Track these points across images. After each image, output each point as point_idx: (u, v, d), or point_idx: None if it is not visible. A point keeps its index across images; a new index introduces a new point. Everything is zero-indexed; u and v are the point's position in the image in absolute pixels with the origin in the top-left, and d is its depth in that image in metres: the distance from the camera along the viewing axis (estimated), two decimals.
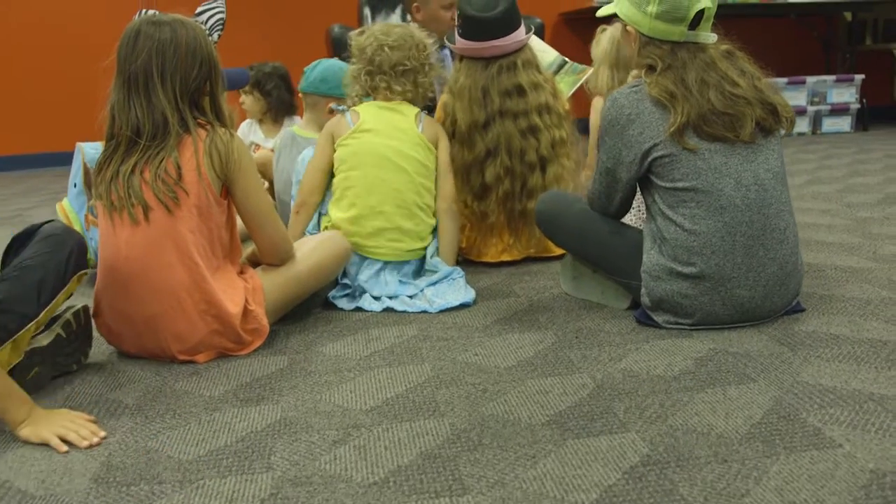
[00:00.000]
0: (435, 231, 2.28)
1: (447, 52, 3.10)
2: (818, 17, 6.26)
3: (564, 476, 1.20)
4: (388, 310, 2.07)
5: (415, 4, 3.22)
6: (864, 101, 5.67)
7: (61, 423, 1.39)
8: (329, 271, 2.02)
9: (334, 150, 2.24)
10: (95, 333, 1.80)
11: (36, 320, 1.50)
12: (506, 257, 2.45)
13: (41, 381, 1.62)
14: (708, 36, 1.78)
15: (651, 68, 1.79)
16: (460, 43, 2.35)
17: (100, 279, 1.74)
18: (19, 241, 1.59)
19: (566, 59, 2.93)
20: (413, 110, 2.28)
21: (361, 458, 1.28)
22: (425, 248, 2.24)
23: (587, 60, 2.91)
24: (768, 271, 1.74)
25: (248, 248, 1.95)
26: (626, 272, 1.87)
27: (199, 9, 2.10)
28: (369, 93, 2.30)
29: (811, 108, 5.59)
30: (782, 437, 1.28)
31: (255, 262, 1.93)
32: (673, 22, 1.74)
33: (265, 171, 2.97)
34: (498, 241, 2.44)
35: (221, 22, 2.12)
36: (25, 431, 1.38)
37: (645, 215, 1.89)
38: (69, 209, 2.41)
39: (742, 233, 1.71)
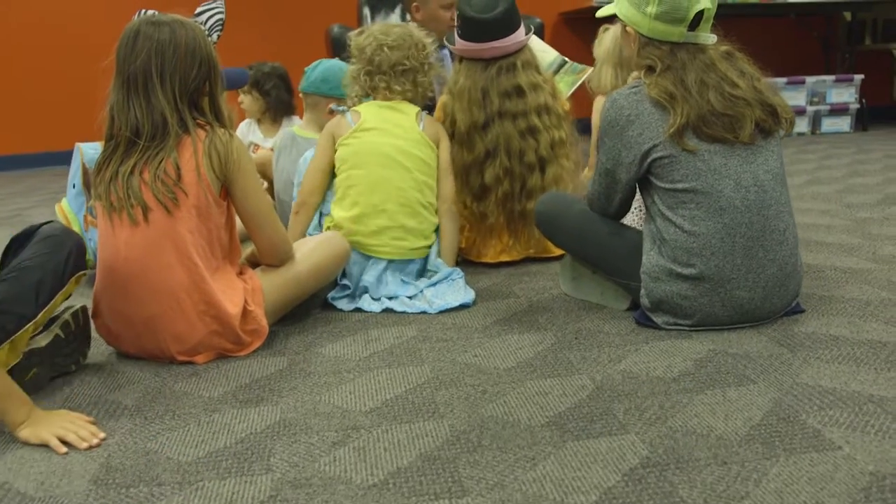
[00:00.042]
0: (437, 230, 2.27)
1: (446, 52, 3.10)
2: (818, 17, 6.26)
3: (564, 478, 1.20)
4: (387, 310, 2.07)
5: (414, 4, 3.22)
6: (864, 101, 5.67)
7: (60, 425, 1.39)
8: (328, 272, 2.02)
9: (335, 151, 2.24)
10: (94, 334, 1.80)
11: (34, 321, 1.49)
12: (505, 257, 2.45)
13: (40, 381, 1.62)
14: (707, 37, 1.78)
15: (650, 69, 1.78)
16: (460, 44, 2.35)
17: (99, 280, 1.73)
18: (18, 242, 1.59)
19: (566, 58, 2.93)
20: (414, 109, 2.28)
21: (361, 459, 1.28)
22: (429, 247, 2.24)
23: (587, 60, 2.91)
24: (768, 272, 1.74)
25: (248, 249, 1.95)
26: (625, 273, 1.87)
27: (199, 9, 2.10)
28: (369, 93, 2.30)
29: (810, 108, 5.60)
30: (782, 439, 1.28)
31: (254, 263, 1.93)
32: (672, 23, 1.74)
33: (265, 171, 2.97)
34: (497, 243, 2.44)
35: (221, 22, 2.12)
36: (25, 432, 1.38)
37: (644, 216, 1.89)
38: (68, 210, 2.41)
39: (741, 234, 1.71)
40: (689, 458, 1.23)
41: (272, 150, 3.20)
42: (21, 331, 1.48)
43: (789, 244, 1.77)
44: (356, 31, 2.36)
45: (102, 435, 1.39)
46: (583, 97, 2.87)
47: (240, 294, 1.76)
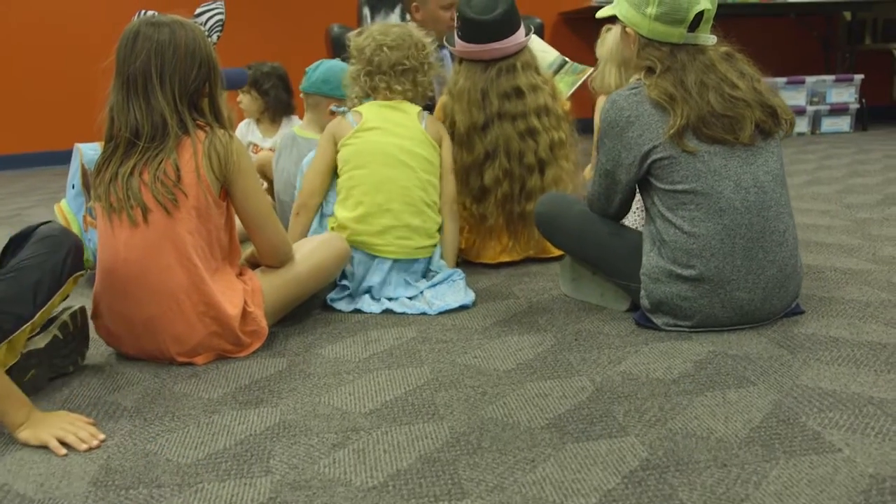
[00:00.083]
0: (440, 230, 2.27)
1: (446, 52, 3.10)
2: (818, 17, 6.26)
3: (564, 480, 1.20)
4: (387, 311, 2.07)
5: (414, 4, 3.22)
6: (864, 100, 5.67)
7: (60, 426, 1.39)
8: (328, 273, 2.01)
9: (336, 152, 2.23)
10: (94, 335, 1.80)
11: (31, 321, 1.49)
12: (505, 258, 2.45)
13: (38, 382, 1.62)
14: (707, 38, 1.77)
15: (650, 70, 1.78)
16: (460, 45, 2.35)
17: (98, 281, 1.73)
18: (16, 242, 1.58)
19: (566, 59, 2.92)
20: (415, 108, 2.28)
21: (360, 461, 1.28)
22: (433, 246, 2.23)
23: (587, 60, 2.90)
24: (768, 273, 1.73)
25: (248, 250, 1.95)
26: (625, 274, 1.87)
27: (199, 10, 2.10)
28: (369, 93, 2.30)
29: (810, 108, 5.59)
30: (782, 441, 1.28)
31: (254, 264, 1.93)
32: (672, 24, 1.74)
33: (265, 172, 2.97)
34: (496, 244, 2.43)
35: (221, 23, 2.12)
36: (24, 434, 1.38)
37: (644, 217, 1.89)
38: (67, 210, 2.40)
39: (741, 235, 1.71)
40: (688, 461, 1.23)
41: (271, 150, 3.20)
42: (18, 331, 1.48)
43: (789, 245, 1.77)
44: (355, 32, 2.35)
45: (102, 436, 1.39)
46: (584, 97, 2.86)
47: (239, 295, 1.75)
